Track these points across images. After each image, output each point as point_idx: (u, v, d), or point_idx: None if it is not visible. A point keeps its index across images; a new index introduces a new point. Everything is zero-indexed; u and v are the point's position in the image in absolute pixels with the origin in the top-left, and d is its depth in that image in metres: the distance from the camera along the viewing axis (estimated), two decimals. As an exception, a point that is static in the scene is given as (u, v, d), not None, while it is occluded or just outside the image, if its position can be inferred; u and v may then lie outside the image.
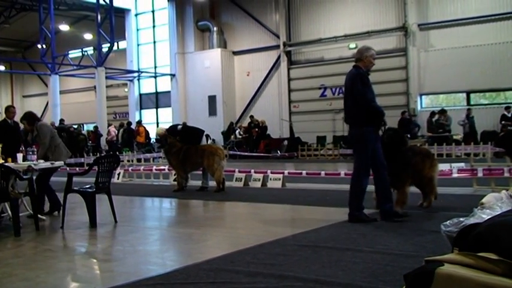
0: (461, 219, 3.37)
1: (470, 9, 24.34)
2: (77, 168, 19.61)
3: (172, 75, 33.58)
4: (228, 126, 30.83)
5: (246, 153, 26.98)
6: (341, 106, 28.91)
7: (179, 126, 13.39)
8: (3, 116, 11.42)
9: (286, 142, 28.78)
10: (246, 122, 30.37)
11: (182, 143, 12.66)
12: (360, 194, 7.60)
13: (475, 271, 2.57)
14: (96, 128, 30.31)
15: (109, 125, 29.44)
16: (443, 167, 10.99)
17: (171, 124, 13.70)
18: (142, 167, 16.93)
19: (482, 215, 3.36)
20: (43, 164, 8.82)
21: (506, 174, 10.26)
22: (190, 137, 12.90)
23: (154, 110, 35.98)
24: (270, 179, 13.19)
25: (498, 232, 2.73)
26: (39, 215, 8.11)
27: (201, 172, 12.84)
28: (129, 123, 30.19)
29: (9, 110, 11.30)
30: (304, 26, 29.69)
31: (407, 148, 8.45)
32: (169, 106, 34.09)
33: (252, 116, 29.70)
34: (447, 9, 24.99)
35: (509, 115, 22.41)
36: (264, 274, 4.80)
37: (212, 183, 12.50)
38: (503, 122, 22.20)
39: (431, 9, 25.51)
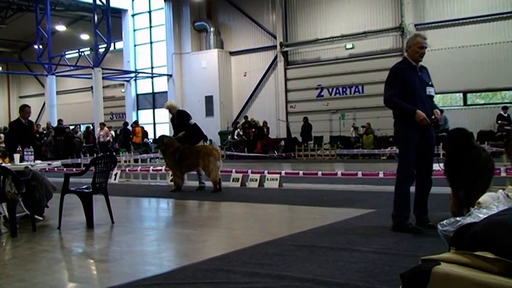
0: (458, 218, 3.38)
1: (467, 10, 24.40)
2: (74, 169, 19.61)
3: (169, 76, 33.57)
4: (234, 126, 30.85)
5: (243, 154, 27.00)
6: (337, 106, 28.86)
7: (192, 120, 13.28)
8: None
9: (283, 142, 28.80)
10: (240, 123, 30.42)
11: (183, 138, 12.71)
12: (398, 198, 6.70)
13: (472, 270, 2.58)
14: (88, 128, 30.22)
15: (103, 125, 28.37)
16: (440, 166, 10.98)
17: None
18: (139, 168, 16.92)
19: (479, 215, 3.38)
20: (40, 165, 8.81)
21: (503, 174, 10.28)
22: (193, 136, 12.93)
23: (151, 110, 35.97)
24: (267, 179, 13.19)
25: (494, 231, 2.74)
26: (35, 216, 8.09)
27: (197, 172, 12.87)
28: (126, 124, 30.15)
29: (25, 109, 11.06)
30: (300, 27, 29.72)
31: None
32: (166, 106, 34.04)
33: (246, 117, 29.74)
34: (444, 9, 25.04)
35: (506, 115, 22.49)
36: (261, 274, 4.80)
37: (209, 183, 12.51)
38: (499, 122, 22.27)
39: (427, 9, 25.56)
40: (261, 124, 28.70)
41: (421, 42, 6.76)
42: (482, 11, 23.95)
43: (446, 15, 24.91)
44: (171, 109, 13.24)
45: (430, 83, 6.88)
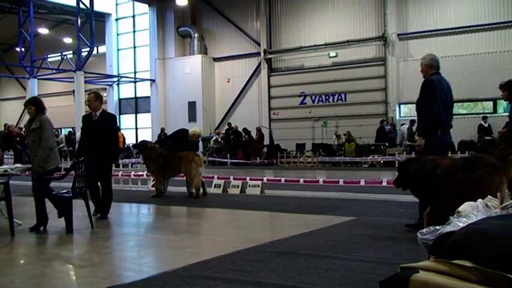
0: (437, 227, 3.41)
1: (449, 20, 24.66)
2: (54, 173, 19.39)
3: (152, 81, 33.47)
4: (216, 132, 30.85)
5: (226, 160, 26.97)
6: (320, 114, 28.87)
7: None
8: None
9: (265, 149, 28.80)
10: (224, 129, 30.42)
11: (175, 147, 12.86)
12: None
13: (450, 278, 2.60)
14: (70, 132, 30.04)
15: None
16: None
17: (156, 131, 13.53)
18: (120, 173, 16.81)
19: (458, 223, 3.40)
20: (20, 168, 8.71)
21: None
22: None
23: (134, 115, 35.81)
24: (249, 185, 13.19)
25: (473, 240, 2.77)
26: (14, 220, 8.00)
27: (180, 178, 12.87)
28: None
29: (87, 97, 9.51)
30: (284, 34, 29.81)
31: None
32: (149, 112, 33.96)
33: (229, 123, 29.75)
34: (426, 19, 25.29)
35: (486, 125, 22.73)
36: (242, 281, 4.79)
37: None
38: (479, 134, 22.48)
39: (410, 19, 25.79)
40: (255, 131, 28.62)
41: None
42: (465, 22, 24.22)
43: (429, 25, 25.16)
44: (196, 137, 13.34)
45: None
